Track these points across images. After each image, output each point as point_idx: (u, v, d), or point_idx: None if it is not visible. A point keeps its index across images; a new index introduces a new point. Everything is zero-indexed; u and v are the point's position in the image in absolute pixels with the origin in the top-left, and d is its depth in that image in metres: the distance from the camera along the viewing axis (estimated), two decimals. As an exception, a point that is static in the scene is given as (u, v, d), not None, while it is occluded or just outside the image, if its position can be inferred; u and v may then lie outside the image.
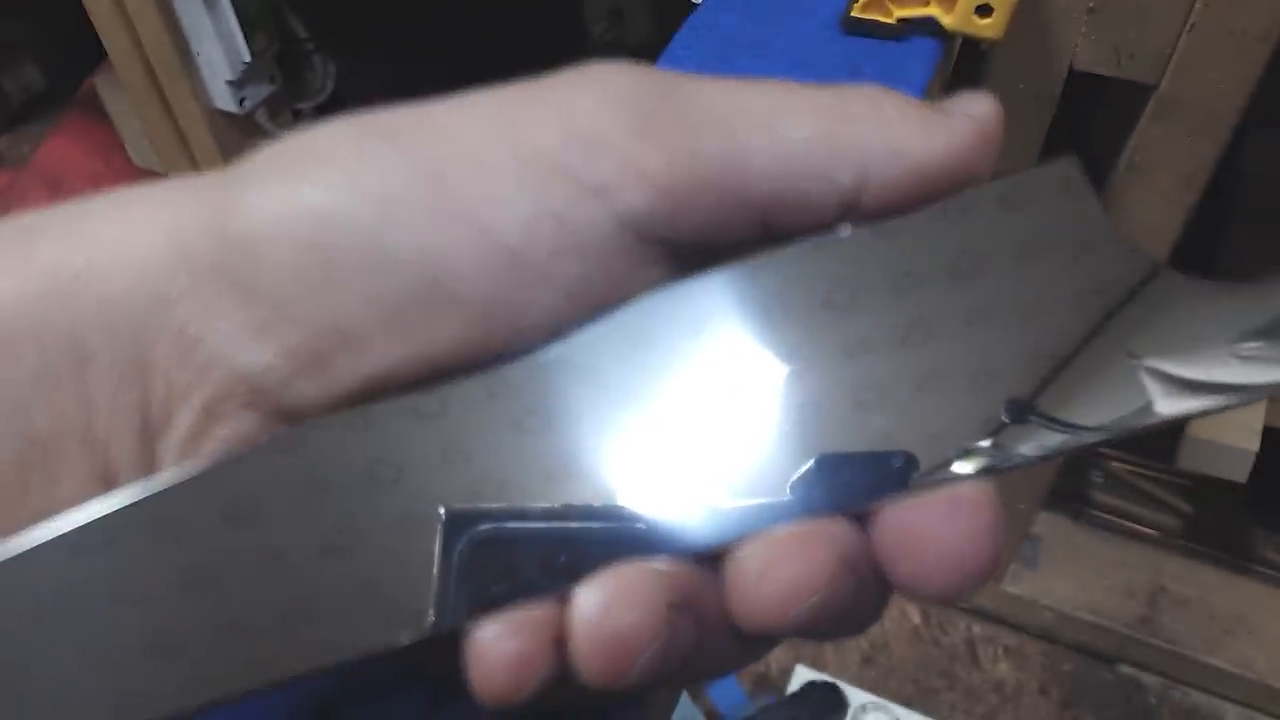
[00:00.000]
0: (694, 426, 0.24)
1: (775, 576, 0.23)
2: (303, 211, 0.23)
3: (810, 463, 0.24)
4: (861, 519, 0.24)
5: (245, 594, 0.23)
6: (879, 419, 0.24)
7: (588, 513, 0.24)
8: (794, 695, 1.21)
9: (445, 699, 0.29)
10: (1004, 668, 1.23)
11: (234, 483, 0.24)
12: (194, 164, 1.25)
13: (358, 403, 0.24)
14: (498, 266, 0.23)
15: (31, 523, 0.23)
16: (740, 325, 0.24)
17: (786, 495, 0.24)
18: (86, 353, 0.23)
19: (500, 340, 0.24)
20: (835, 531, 0.23)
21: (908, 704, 1.21)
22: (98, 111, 1.44)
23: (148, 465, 0.24)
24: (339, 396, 0.24)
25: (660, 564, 0.24)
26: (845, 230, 0.25)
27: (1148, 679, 1.23)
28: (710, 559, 0.24)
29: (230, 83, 1.15)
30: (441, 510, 0.24)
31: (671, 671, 0.23)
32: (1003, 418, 0.24)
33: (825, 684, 1.21)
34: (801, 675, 1.24)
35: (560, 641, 0.23)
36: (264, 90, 1.19)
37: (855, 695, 1.22)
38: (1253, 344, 0.24)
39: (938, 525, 0.23)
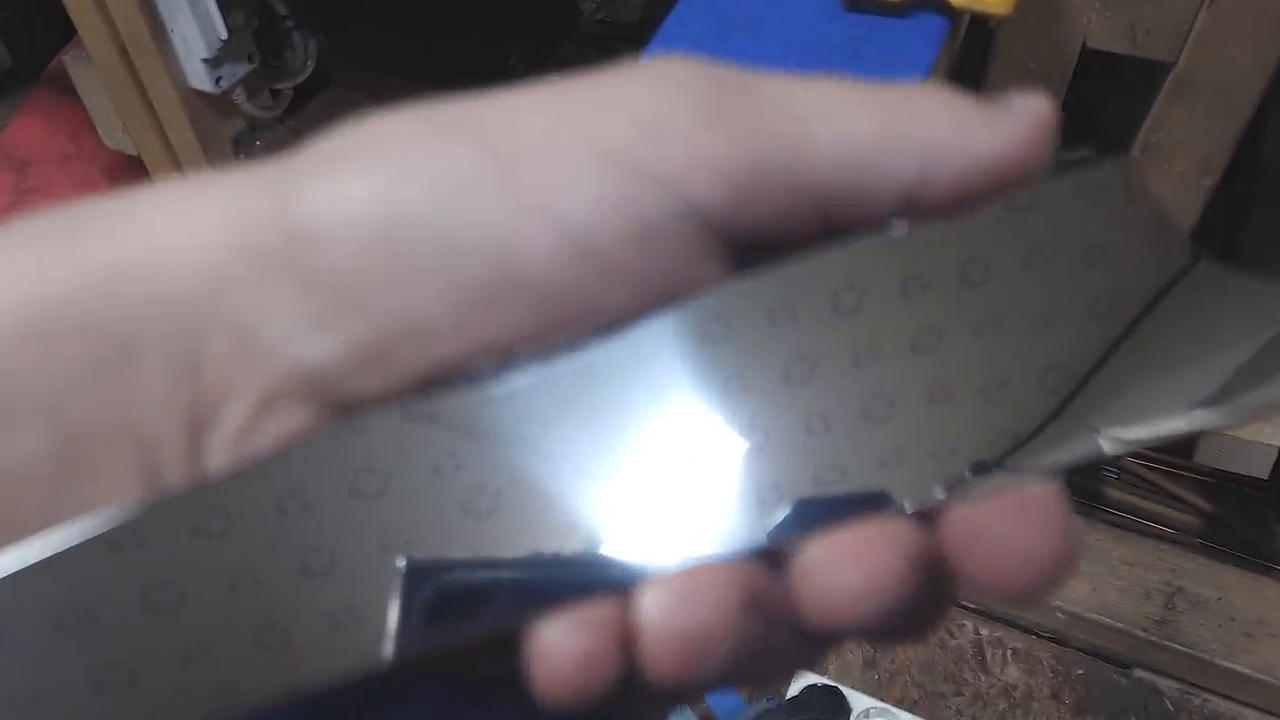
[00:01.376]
0: (693, 443, 0.25)
1: (843, 574, 0.23)
2: (370, 200, 0.24)
3: (785, 508, 0.24)
4: (927, 518, 0.24)
5: (213, 615, 0.23)
6: (889, 431, 0.25)
7: (559, 561, 0.24)
8: (794, 700, 1.21)
9: (473, 702, 0.29)
10: (1013, 671, 1.23)
11: (210, 497, 0.24)
12: (167, 146, 1.25)
13: (414, 394, 0.24)
14: (567, 256, 0.24)
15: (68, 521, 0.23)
16: (756, 334, 0.25)
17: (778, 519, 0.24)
18: (135, 348, 0.24)
19: (566, 330, 0.25)
20: (903, 531, 0.24)
21: (912, 709, 1.21)
22: (67, 90, 1.44)
23: (194, 461, 0.25)
24: (398, 388, 0.24)
25: (732, 561, 0.24)
26: (900, 228, 0.25)
27: (1164, 684, 1.23)
28: (775, 557, 0.24)
29: (206, 61, 1.15)
30: (402, 562, 0.24)
31: (738, 672, 0.24)
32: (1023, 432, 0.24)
33: (826, 688, 1.21)
34: (802, 679, 1.25)
35: (627, 640, 0.24)
36: (241, 69, 1.19)
37: (857, 700, 1.22)
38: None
39: (1007, 525, 0.23)
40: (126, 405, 0.24)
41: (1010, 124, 0.25)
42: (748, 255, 0.26)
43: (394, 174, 0.24)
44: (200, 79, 1.16)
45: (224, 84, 1.18)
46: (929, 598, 0.24)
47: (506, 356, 0.24)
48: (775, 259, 0.25)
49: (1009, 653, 1.25)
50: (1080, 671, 1.24)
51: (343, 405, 0.25)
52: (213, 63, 1.15)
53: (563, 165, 0.24)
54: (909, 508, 0.24)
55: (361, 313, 0.24)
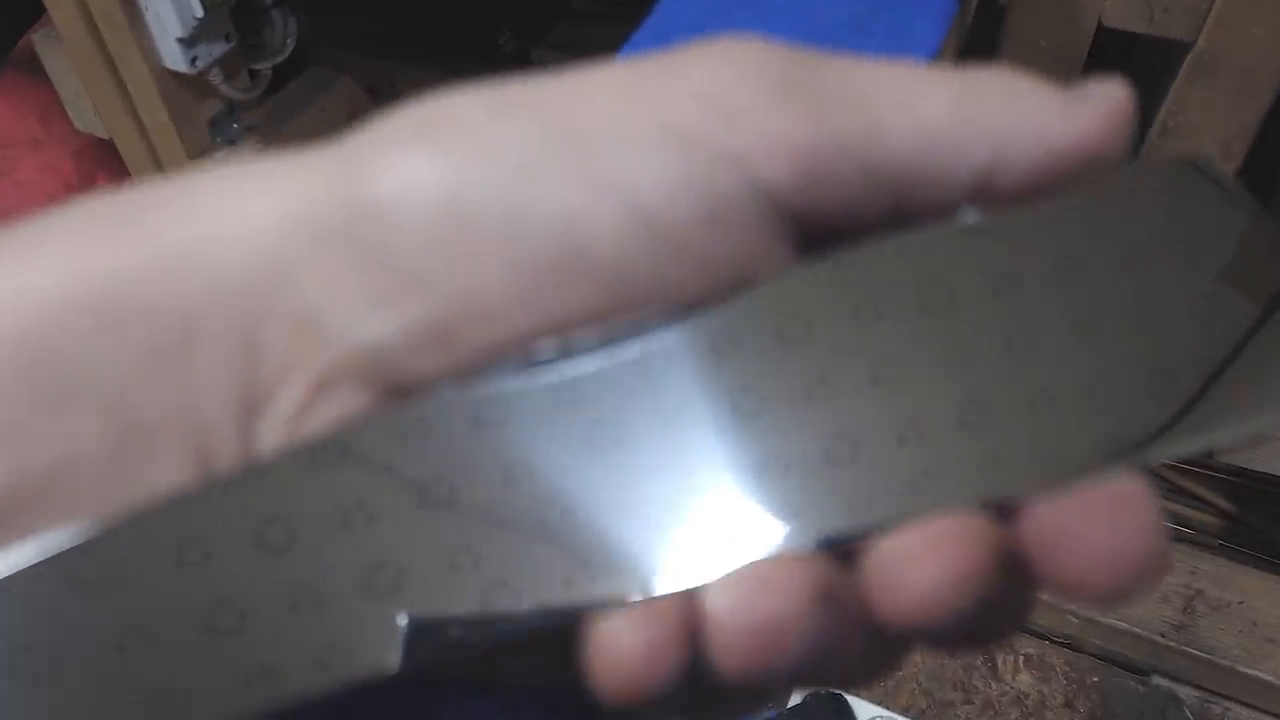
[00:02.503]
0: (771, 452, 0.25)
1: (920, 567, 0.23)
2: (435, 176, 0.24)
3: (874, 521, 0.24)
4: (1007, 514, 0.24)
5: (192, 651, 0.23)
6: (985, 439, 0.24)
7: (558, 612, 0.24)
8: (795, 708, 1.21)
9: (514, 709, 0.30)
10: (1026, 679, 1.23)
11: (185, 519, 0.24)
12: (141, 129, 1.25)
13: (471, 374, 0.25)
14: (635, 234, 0.24)
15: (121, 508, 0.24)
16: (831, 328, 0.25)
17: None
18: (195, 332, 0.24)
19: (632, 310, 0.25)
20: (985, 526, 0.24)
21: (919, 718, 1.22)
22: (35, 71, 1.43)
23: (247, 447, 0.25)
24: (457, 368, 0.25)
25: (803, 553, 0.24)
26: (971, 215, 0.25)
27: (1183, 691, 1.23)
28: (847, 552, 0.24)
29: (181, 40, 1.14)
30: (404, 620, 0.24)
31: (807, 672, 0.24)
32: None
33: (830, 696, 1.21)
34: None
35: (694, 633, 0.24)
36: (218, 49, 1.18)
37: (862, 709, 1.22)
38: None
39: (1094, 522, 0.23)
40: (183, 391, 0.24)
41: (1088, 110, 0.26)
42: (815, 242, 0.26)
43: (460, 151, 0.25)
44: (175, 59, 1.15)
45: (200, 64, 1.17)
46: (1007, 599, 0.24)
47: (570, 338, 0.25)
48: (844, 246, 0.25)
49: (1021, 659, 1.25)
50: (1095, 679, 1.24)
51: (401, 387, 0.25)
52: (188, 42, 1.14)
53: (632, 143, 0.25)
54: (992, 505, 0.24)
55: (424, 291, 0.24)
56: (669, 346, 0.25)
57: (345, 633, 0.24)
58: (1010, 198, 0.26)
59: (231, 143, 1.26)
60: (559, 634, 0.24)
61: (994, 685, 1.23)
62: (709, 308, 0.25)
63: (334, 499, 0.24)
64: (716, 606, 0.23)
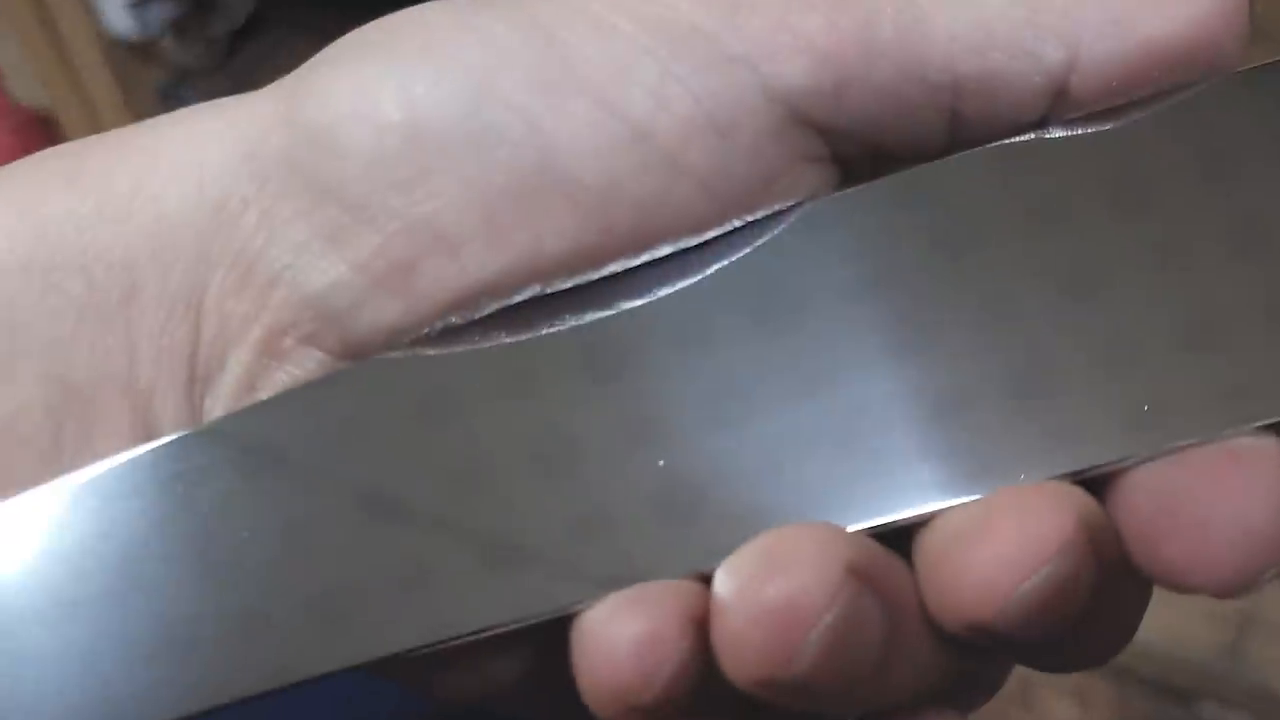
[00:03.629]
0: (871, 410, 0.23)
1: (989, 540, 0.21)
2: (386, 91, 0.23)
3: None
4: (1094, 486, 0.22)
5: (267, 577, 0.23)
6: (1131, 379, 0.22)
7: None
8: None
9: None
10: (1066, 709, 1.23)
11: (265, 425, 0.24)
12: (87, 100, 1.24)
13: (438, 329, 0.24)
14: (620, 145, 0.23)
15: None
16: (916, 254, 0.23)
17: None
18: (135, 286, 0.24)
19: (620, 244, 0.24)
20: (1071, 492, 0.22)
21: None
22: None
23: (192, 422, 0.24)
24: (419, 320, 0.24)
25: (838, 528, 0.22)
26: (1053, 130, 0.23)
27: (1234, 719, 1.23)
28: (898, 535, 0.23)
29: (128, 3, 1.15)
30: None
31: (855, 670, 0.21)
32: None
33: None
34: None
35: (699, 622, 0.22)
36: (169, 11, 1.19)
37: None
38: None
39: (1212, 489, 0.21)
40: (123, 351, 0.24)
41: None
42: (855, 164, 0.24)
43: (413, 62, 0.23)
44: (122, 24, 1.17)
45: (150, 30, 1.18)
46: (1108, 588, 0.22)
47: (546, 277, 0.24)
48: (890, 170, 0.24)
49: (1061, 689, 1.24)
50: (1141, 708, 1.24)
51: (356, 345, 0.24)
52: (137, 6, 1.16)
53: (614, 37, 0.23)
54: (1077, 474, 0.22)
55: (377, 226, 0.23)
56: (670, 298, 0.24)
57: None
58: (1089, 104, 0.23)
59: None
60: (537, 635, 0.23)
61: (1029, 718, 1.22)
62: (715, 249, 0.24)
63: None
64: (728, 587, 0.21)
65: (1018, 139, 0.23)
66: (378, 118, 0.23)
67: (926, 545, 0.22)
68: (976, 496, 0.22)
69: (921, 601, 0.22)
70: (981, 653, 0.23)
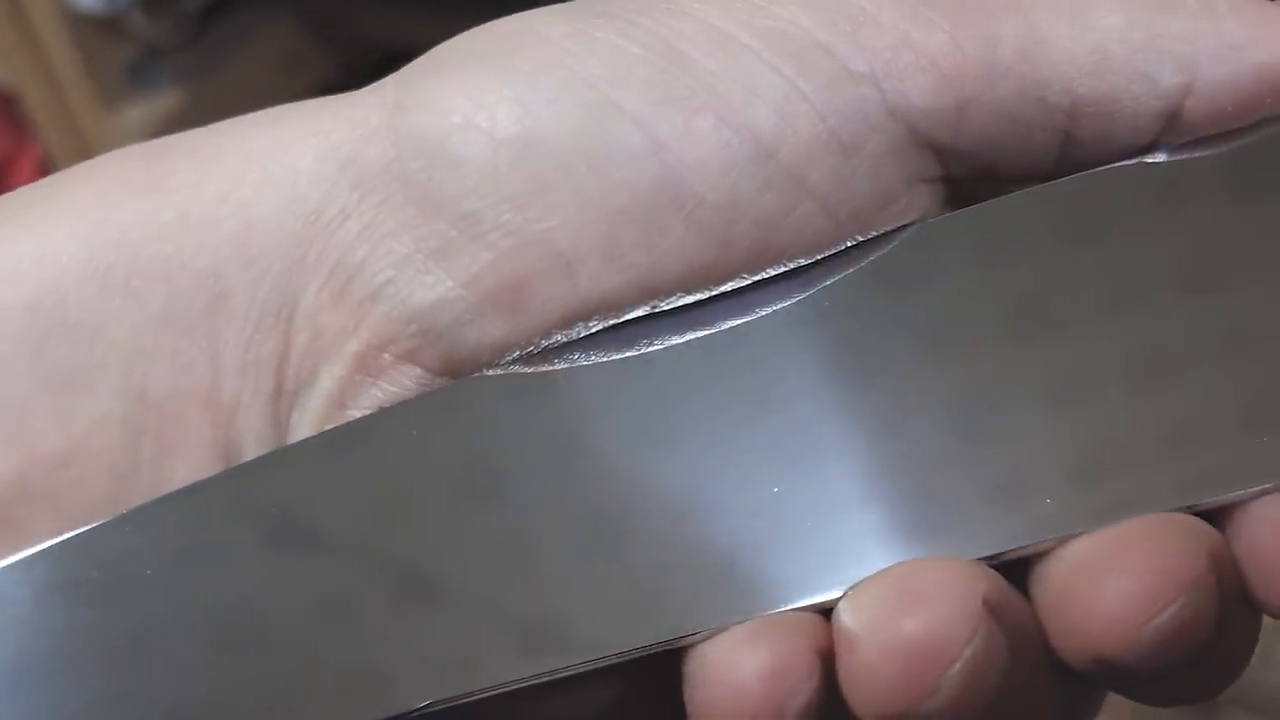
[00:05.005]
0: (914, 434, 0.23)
1: (1121, 573, 0.21)
2: (504, 100, 0.23)
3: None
4: (1214, 517, 0.23)
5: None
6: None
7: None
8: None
9: None
10: None
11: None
12: (52, 78, 1.23)
13: (541, 346, 0.24)
14: (743, 163, 0.23)
15: (138, 502, 0.23)
16: (1037, 274, 0.24)
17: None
18: (220, 297, 0.24)
19: (737, 264, 0.24)
20: (1194, 523, 0.22)
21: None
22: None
23: (276, 440, 0.24)
24: (526, 338, 0.24)
25: (967, 559, 0.23)
26: (1160, 154, 0.24)
27: None
28: (1016, 564, 0.23)
29: None
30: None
31: (983, 704, 0.22)
32: None
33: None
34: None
35: (825, 655, 0.22)
36: None
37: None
38: None
39: None
40: (206, 364, 0.24)
41: None
42: (964, 187, 0.25)
43: (529, 73, 0.23)
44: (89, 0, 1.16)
45: (117, 5, 1.17)
46: (1230, 623, 0.22)
47: (662, 300, 0.24)
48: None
49: None
50: (1166, 714, 1.19)
51: (458, 363, 0.24)
52: None
53: (738, 53, 0.23)
54: (1200, 502, 0.23)
55: (489, 243, 0.23)
56: (782, 314, 0.24)
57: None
58: (1201, 128, 0.24)
59: (153, 92, 1.25)
60: (633, 668, 0.23)
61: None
62: (830, 267, 0.24)
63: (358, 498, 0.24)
64: (851, 622, 0.22)
65: (1127, 163, 0.24)
66: (493, 130, 0.23)
67: (1050, 576, 0.22)
68: (1101, 528, 0.22)
69: (1042, 634, 0.22)
70: (1093, 684, 0.24)
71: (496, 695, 0.23)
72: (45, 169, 1.28)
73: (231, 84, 1.26)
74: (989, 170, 0.24)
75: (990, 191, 0.24)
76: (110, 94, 1.22)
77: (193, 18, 1.25)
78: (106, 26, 1.19)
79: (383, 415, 0.24)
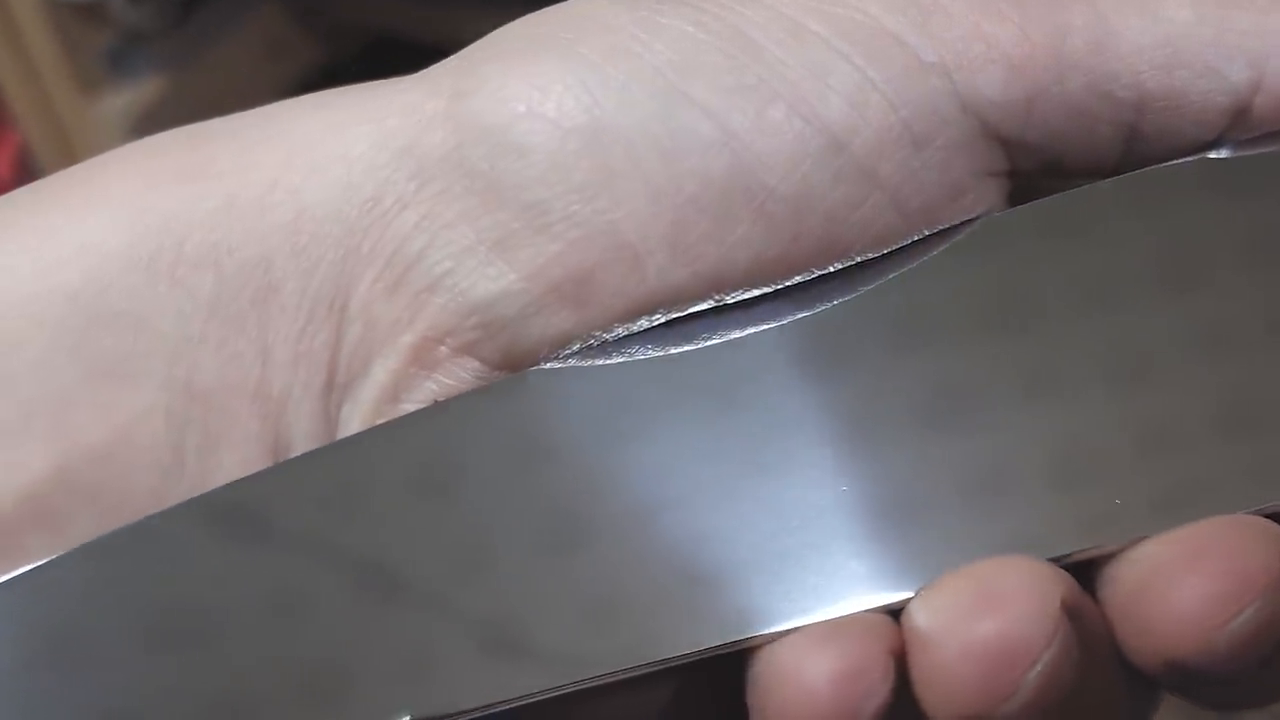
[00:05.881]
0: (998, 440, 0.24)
1: (1197, 575, 0.22)
2: (571, 87, 0.23)
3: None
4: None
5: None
6: None
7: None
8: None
9: None
10: None
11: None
12: (30, 64, 1.22)
13: (601, 340, 0.24)
14: (815, 155, 0.23)
15: (183, 498, 0.23)
16: (1106, 267, 0.24)
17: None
18: (271, 286, 0.24)
19: (805, 257, 0.24)
20: (1267, 524, 0.22)
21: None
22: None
23: (326, 434, 0.24)
24: (589, 331, 0.24)
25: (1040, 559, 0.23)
26: (1224, 150, 0.24)
27: None
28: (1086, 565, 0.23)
29: None
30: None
31: (1056, 707, 0.22)
32: None
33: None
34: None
35: (898, 656, 0.22)
36: None
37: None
38: None
39: None
40: (255, 355, 0.24)
41: None
42: (1027, 182, 0.25)
43: (597, 60, 0.24)
44: None
45: None
46: None
47: (727, 289, 0.24)
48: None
49: None
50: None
51: (518, 355, 0.24)
52: None
53: (810, 42, 0.23)
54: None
55: (554, 234, 0.23)
56: (845, 308, 0.24)
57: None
58: (1269, 126, 0.24)
59: (135, 79, 1.24)
60: (698, 669, 0.23)
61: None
62: (894, 261, 0.24)
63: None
64: (926, 623, 0.22)
65: (1191, 159, 0.24)
66: (559, 118, 0.23)
67: (1121, 577, 0.23)
68: (1173, 529, 0.22)
69: (1112, 636, 0.22)
70: (1156, 687, 0.24)
71: (554, 696, 0.23)
72: (23, 159, 1.27)
73: (215, 71, 1.25)
74: (1054, 164, 0.24)
75: (1051, 186, 0.24)
76: (90, 81, 1.21)
77: (175, 2, 1.24)
78: (86, 11, 1.18)
79: (438, 408, 0.24)
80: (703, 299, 0.24)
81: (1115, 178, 0.24)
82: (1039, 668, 0.21)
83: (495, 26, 0.25)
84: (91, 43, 1.21)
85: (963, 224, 0.24)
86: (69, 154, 1.18)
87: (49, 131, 1.22)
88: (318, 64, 1.25)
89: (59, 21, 1.17)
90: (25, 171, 1.26)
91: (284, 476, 0.24)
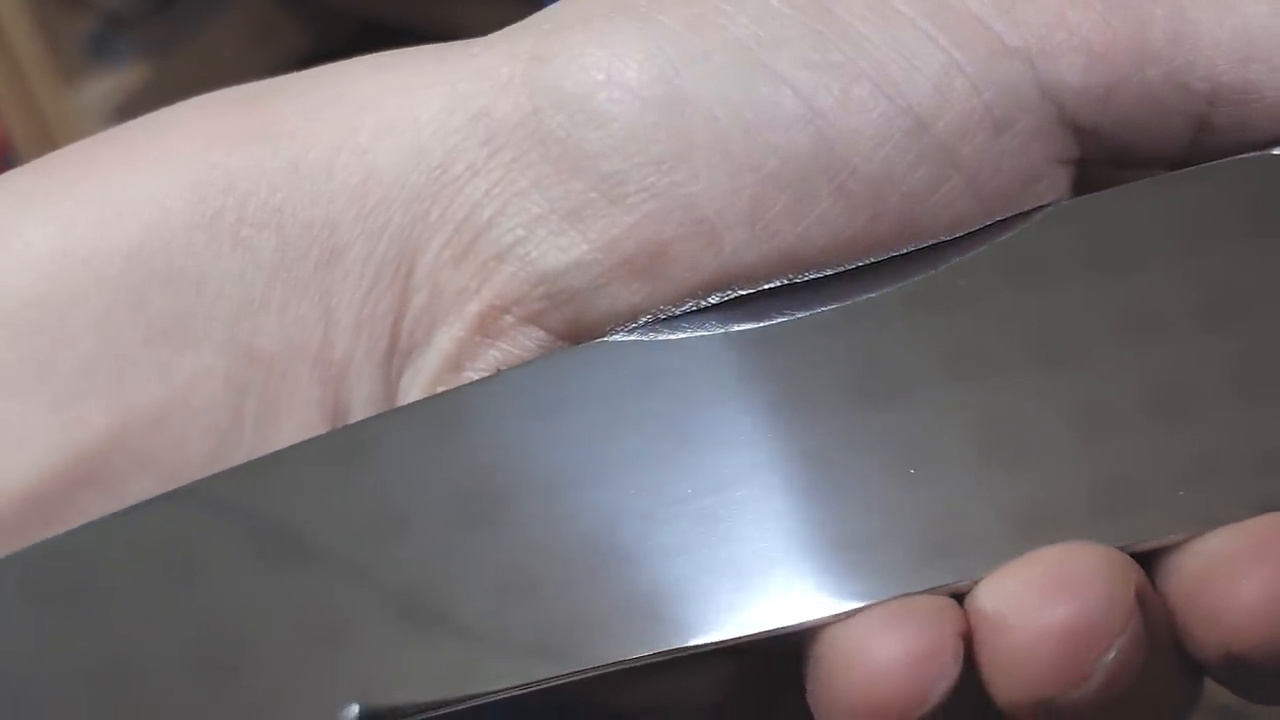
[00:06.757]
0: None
1: (1263, 567, 0.22)
2: (648, 59, 0.23)
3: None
4: None
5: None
6: None
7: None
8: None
9: None
10: None
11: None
12: (8, 51, 1.22)
13: (666, 313, 0.24)
14: (899, 135, 0.23)
15: (240, 462, 0.23)
16: (1168, 257, 0.24)
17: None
18: (335, 250, 0.24)
19: (881, 239, 0.24)
20: None
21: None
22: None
23: (386, 401, 0.25)
24: (660, 304, 0.24)
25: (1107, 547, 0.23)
26: None
27: None
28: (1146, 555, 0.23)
29: None
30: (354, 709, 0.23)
31: (1121, 696, 0.22)
32: None
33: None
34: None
35: (968, 638, 0.22)
36: None
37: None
38: None
39: None
40: (318, 319, 0.24)
41: None
42: (1096, 171, 0.25)
43: (678, 30, 0.24)
44: None
45: None
46: None
47: (801, 267, 0.24)
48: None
49: None
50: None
51: (585, 326, 0.24)
52: None
53: (895, 22, 0.23)
54: None
55: (631, 204, 0.24)
56: (911, 289, 0.24)
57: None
58: None
59: (116, 66, 1.24)
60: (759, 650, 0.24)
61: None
62: (962, 246, 0.24)
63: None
64: (997, 606, 0.22)
65: (1258, 154, 0.24)
66: (640, 88, 0.23)
67: (1183, 569, 0.23)
68: (1235, 522, 0.23)
69: (1172, 626, 0.23)
70: (1204, 678, 0.24)
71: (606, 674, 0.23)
72: (2, 148, 1.26)
73: (199, 57, 1.25)
74: (1122, 154, 0.25)
75: (1115, 176, 0.25)
76: (70, 68, 1.21)
77: (156, -12, 1.24)
78: (64, -2, 1.17)
79: (496, 378, 0.24)
80: (775, 277, 0.24)
81: (1182, 171, 0.25)
82: (1112, 654, 0.21)
83: (485, 12, 0.25)
84: (72, 29, 1.21)
85: (1033, 210, 0.24)
86: (49, 143, 1.17)
87: (29, 119, 1.22)
88: (304, 50, 1.25)
89: (38, 7, 1.17)
90: (3, 162, 1.26)
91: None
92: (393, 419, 0.24)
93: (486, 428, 0.24)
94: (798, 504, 0.23)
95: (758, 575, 0.23)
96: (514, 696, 0.23)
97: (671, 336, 0.24)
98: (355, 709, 0.23)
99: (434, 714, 0.23)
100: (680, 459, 0.24)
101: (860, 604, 0.23)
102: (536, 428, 0.24)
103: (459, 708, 0.23)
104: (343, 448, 0.24)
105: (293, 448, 0.23)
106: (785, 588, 0.23)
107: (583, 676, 0.23)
